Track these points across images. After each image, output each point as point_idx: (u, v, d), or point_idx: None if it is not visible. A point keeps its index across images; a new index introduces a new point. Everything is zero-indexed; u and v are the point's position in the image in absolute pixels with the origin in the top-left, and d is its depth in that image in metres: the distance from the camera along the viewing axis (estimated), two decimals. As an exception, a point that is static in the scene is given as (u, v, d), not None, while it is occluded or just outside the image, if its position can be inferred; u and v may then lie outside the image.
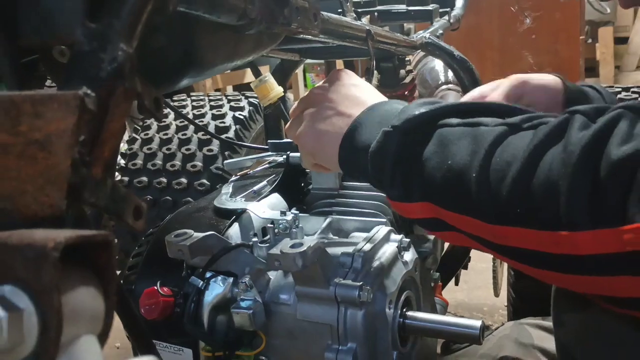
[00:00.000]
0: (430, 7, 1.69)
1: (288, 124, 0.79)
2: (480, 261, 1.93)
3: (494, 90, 1.00)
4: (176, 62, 0.63)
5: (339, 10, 1.03)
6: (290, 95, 5.28)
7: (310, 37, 0.84)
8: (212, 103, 2.04)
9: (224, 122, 1.95)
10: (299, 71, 5.55)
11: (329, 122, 0.71)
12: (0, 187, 0.35)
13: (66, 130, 0.37)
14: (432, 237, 1.04)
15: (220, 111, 1.99)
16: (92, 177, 0.41)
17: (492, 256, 0.80)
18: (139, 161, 1.92)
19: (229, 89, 4.62)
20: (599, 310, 0.55)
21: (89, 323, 0.33)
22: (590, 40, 5.61)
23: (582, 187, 0.48)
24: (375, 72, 1.49)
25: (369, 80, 1.02)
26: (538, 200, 0.50)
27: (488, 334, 1.10)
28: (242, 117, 1.97)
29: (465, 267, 1.51)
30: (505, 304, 1.86)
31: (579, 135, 0.49)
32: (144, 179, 1.89)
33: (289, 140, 1.11)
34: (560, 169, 0.49)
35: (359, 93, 0.73)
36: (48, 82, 0.61)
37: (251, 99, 2.06)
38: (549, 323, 0.89)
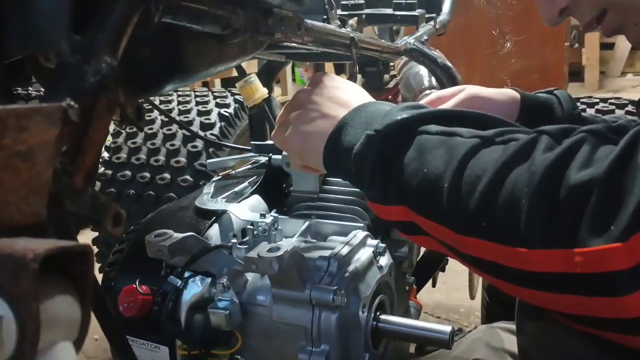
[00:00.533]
0: (416, 12, 1.70)
1: (274, 130, 0.81)
2: (459, 263, 1.95)
3: (452, 95, 1.02)
4: (160, 69, 0.64)
5: (324, 17, 1.05)
6: (278, 90, 5.27)
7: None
8: (198, 99, 2.04)
9: (209, 119, 1.95)
10: (288, 66, 5.53)
11: (314, 124, 0.72)
12: (-16, 199, 0.36)
13: (49, 141, 0.39)
14: (408, 241, 1.06)
15: (206, 107, 2.00)
16: (74, 186, 0.43)
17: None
18: (123, 155, 1.93)
19: (217, 83, 4.61)
20: (555, 321, 0.57)
21: (65, 330, 0.35)
22: (577, 45, 5.65)
23: (541, 207, 0.50)
24: (359, 76, 1.50)
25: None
26: (501, 216, 0.52)
27: (461, 336, 1.12)
28: (227, 114, 1.98)
29: (443, 270, 1.53)
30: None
31: (543, 157, 0.51)
32: (128, 172, 1.89)
33: (271, 142, 1.13)
34: (523, 188, 0.51)
35: (342, 94, 0.74)
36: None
37: (237, 96, 2.07)
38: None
